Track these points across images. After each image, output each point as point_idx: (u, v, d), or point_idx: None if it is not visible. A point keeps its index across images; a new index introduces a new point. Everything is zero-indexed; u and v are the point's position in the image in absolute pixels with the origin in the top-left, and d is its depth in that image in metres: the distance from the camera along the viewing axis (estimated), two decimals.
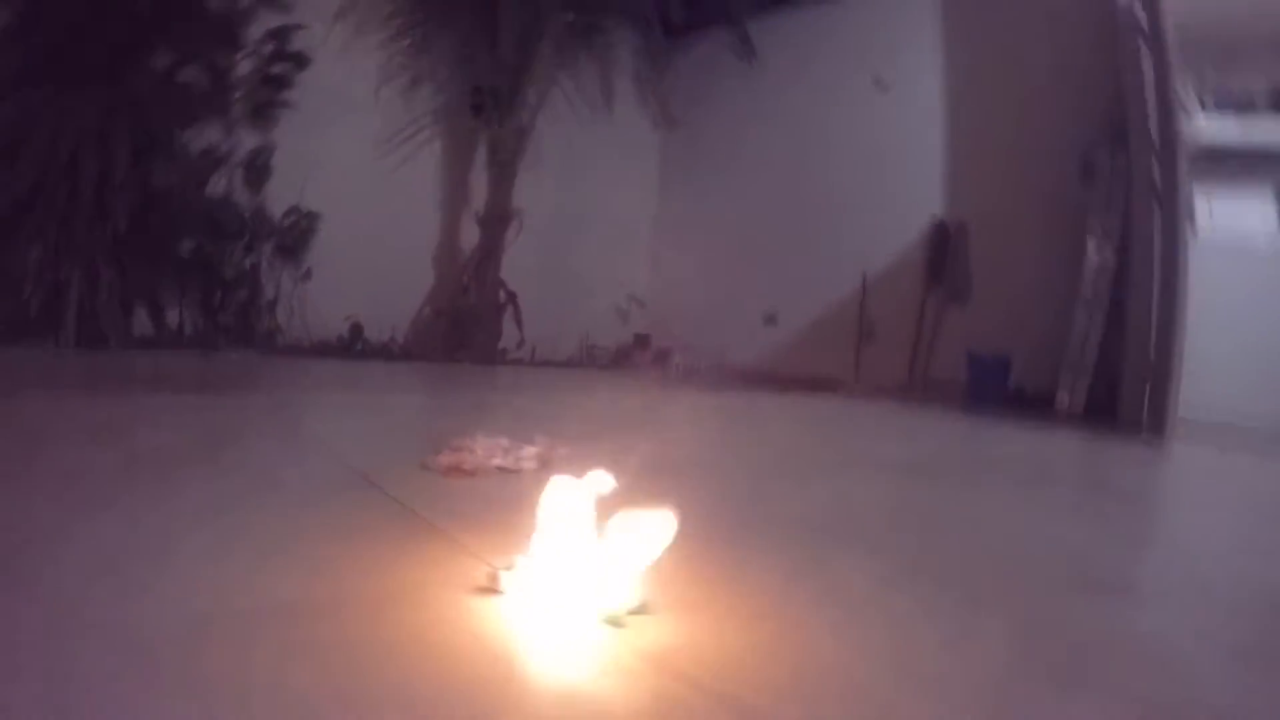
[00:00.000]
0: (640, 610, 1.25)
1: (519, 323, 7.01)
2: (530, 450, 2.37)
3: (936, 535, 1.93)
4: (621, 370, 7.49)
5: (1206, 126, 5.22)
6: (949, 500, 2.40)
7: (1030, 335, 5.84)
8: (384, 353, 6.32)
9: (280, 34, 5.46)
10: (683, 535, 1.23)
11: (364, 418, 3.26)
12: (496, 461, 2.28)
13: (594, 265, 7.70)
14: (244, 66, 5.37)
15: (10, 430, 2.29)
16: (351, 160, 6.06)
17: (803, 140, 7.33)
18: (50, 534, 1.32)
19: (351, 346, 6.15)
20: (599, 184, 7.72)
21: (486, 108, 6.45)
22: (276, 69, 5.45)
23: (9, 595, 1.06)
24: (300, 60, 5.49)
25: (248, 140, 5.45)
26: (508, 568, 1.29)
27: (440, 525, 1.58)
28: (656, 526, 1.43)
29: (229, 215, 5.31)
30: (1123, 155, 4.87)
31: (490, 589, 1.26)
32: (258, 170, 5.50)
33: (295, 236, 5.76)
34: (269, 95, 5.44)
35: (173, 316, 5.08)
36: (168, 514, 1.51)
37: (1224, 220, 5.29)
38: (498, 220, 6.75)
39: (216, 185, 5.26)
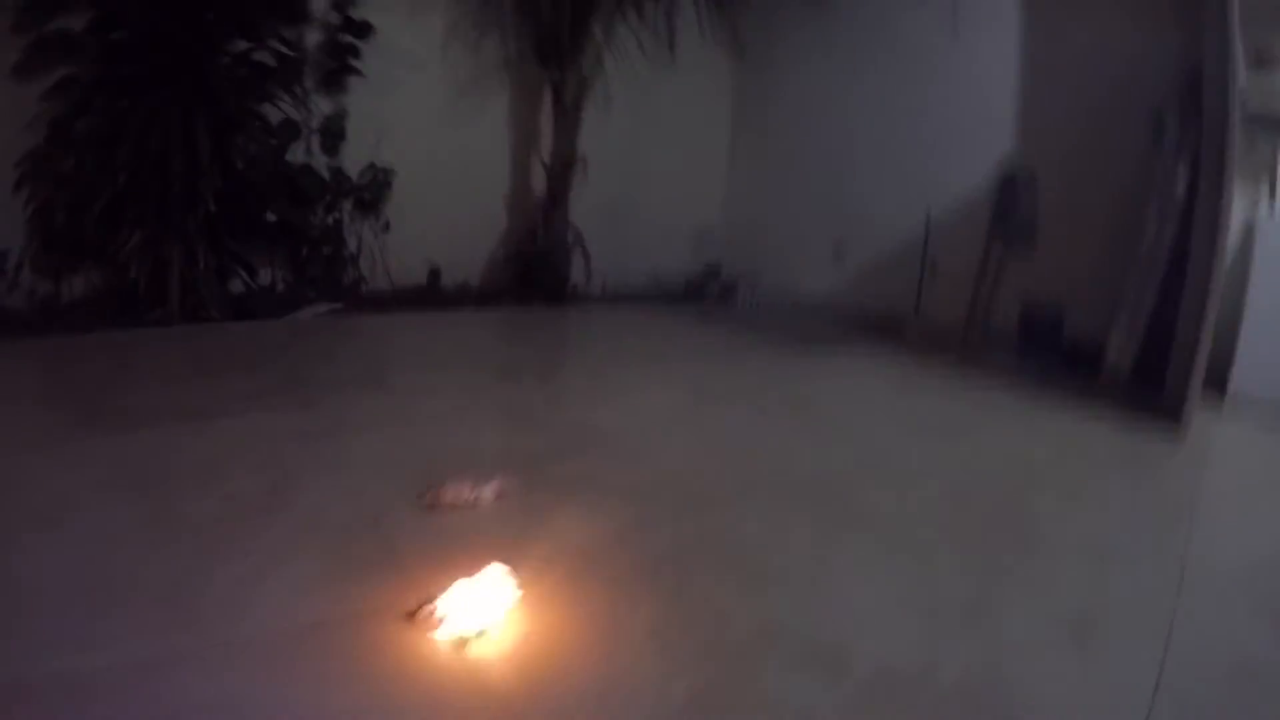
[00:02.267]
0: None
1: (586, 260, 7.29)
2: (491, 486, 2.94)
3: None
4: (692, 304, 7.72)
5: None
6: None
7: (1088, 291, 5.68)
8: (460, 296, 6.78)
9: (343, 2, 5.71)
10: None
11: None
12: (465, 497, 2.88)
13: (663, 201, 7.79)
14: (312, 39, 5.67)
15: None
16: (422, 116, 6.32)
17: (875, 79, 7.06)
18: None
19: (429, 292, 6.63)
20: (668, 121, 7.68)
21: (550, 55, 6.51)
22: (344, 38, 5.72)
23: None
24: (364, 29, 5.73)
25: (322, 107, 5.81)
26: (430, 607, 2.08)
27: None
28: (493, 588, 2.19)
29: (310, 180, 5.74)
30: (1194, 121, 4.53)
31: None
32: (333, 135, 5.87)
33: (373, 192, 6.16)
34: (338, 63, 5.74)
35: (264, 275, 5.64)
36: None
37: None
38: (563, 166, 6.92)
39: (296, 153, 5.68)
